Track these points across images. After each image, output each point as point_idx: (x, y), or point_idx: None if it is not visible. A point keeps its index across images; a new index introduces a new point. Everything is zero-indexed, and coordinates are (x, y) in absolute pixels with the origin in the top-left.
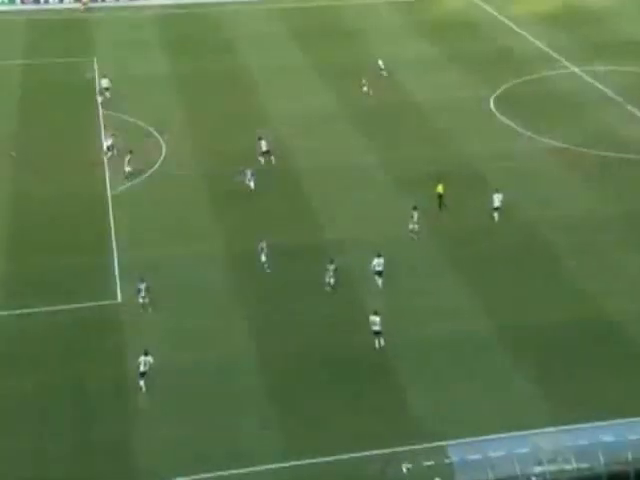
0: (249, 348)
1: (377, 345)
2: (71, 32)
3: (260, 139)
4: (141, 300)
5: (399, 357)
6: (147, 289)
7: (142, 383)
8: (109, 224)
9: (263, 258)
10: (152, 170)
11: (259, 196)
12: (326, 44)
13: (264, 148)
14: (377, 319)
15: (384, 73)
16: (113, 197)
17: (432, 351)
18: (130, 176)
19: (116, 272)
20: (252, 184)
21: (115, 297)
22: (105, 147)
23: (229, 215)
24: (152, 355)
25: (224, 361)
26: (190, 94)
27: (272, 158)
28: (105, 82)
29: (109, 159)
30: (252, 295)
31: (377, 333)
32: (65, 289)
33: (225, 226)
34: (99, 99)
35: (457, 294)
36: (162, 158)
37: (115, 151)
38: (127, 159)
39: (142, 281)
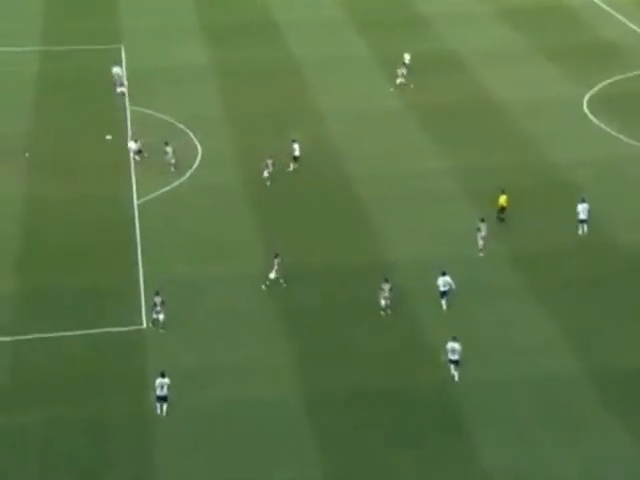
0: (292, 382)
1: (454, 377)
2: (96, 15)
3: (294, 142)
4: (154, 315)
5: (468, 396)
6: (162, 303)
7: (162, 407)
8: (134, 236)
9: (272, 275)
10: (184, 174)
11: (305, 207)
12: (389, 33)
13: (296, 153)
14: (457, 346)
15: (403, 71)
16: (140, 205)
17: (506, 390)
18: (175, 168)
19: (141, 293)
20: (267, 177)
21: (140, 322)
22: (132, 152)
23: (270, 228)
24: (169, 377)
25: (263, 397)
26: (229, 88)
27: (292, 165)
28: (117, 70)
29: (136, 163)
30: (297, 321)
31: (454, 362)
32: (83, 312)
33: (266, 240)
34: (118, 90)
35: (536, 324)
36: (196, 161)
37: (142, 155)
38: (169, 150)
39: (157, 294)
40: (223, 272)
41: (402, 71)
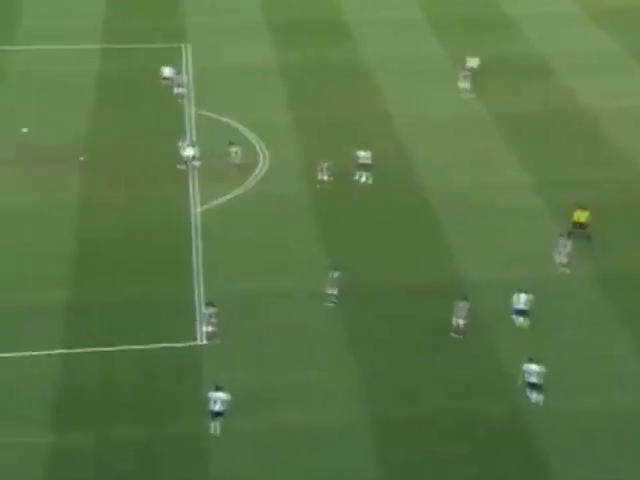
0: (357, 408)
1: (533, 400)
2: (159, 12)
3: (363, 149)
4: (206, 328)
5: (550, 432)
6: (216, 315)
7: (216, 425)
8: (192, 247)
9: (331, 290)
10: (248, 182)
11: (374, 219)
12: (468, 34)
13: (367, 161)
14: (537, 368)
15: (467, 76)
16: (199, 214)
17: (593, 428)
18: (239, 170)
19: (197, 307)
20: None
21: (196, 338)
22: (185, 157)
23: (337, 241)
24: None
25: (324, 423)
26: (297, 91)
27: (366, 175)
28: (168, 71)
29: (191, 169)
30: (363, 341)
31: (534, 386)
32: (137, 325)
33: (334, 256)
34: (177, 91)
35: (622, 352)
36: (260, 168)
37: (196, 161)
38: (233, 151)
39: (211, 305)
40: (286, 287)
41: (465, 74)
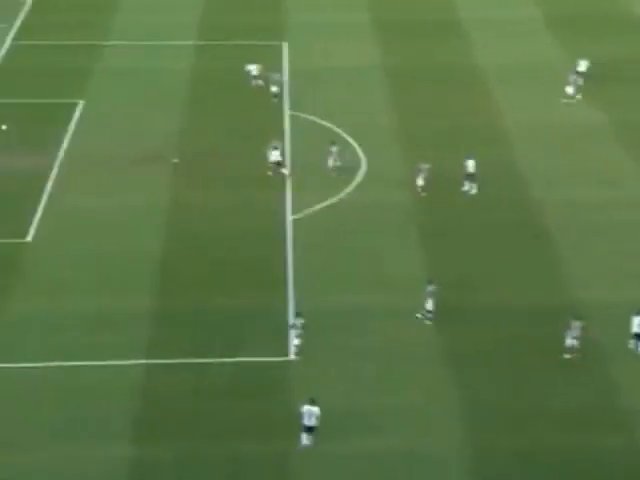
0: (454, 435)
1: None
2: (259, 8)
3: (469, 158)
4: (295, 341)
5: None
6: (305, 327)
7: (306, 438)
8: (285, 256)
9: (427, 306)
10: (345, 189)
11: (479, 233)
12: (592, 36)
13: (472, 170)
14: None
15: (576, 80)
16: (294, 221)
17: None
18: (338, 171)
19: (288, 320)
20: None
21: (285, 352)
22: (271, 161)
23: (440, 257)
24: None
25: (419, 450)
26: (401, 94)
27: (471, 185)
28: (254, 69)
29: (284, 175)
30: (466, 365)
31: None
32: (224, 337)
33: (434, 271)
34: (273, 89)
35: None
36: (360, 175)
37: (281, 168)
38: (334, 151)
39: (299, 316)
40: (382, 301)
41: (574, 79)
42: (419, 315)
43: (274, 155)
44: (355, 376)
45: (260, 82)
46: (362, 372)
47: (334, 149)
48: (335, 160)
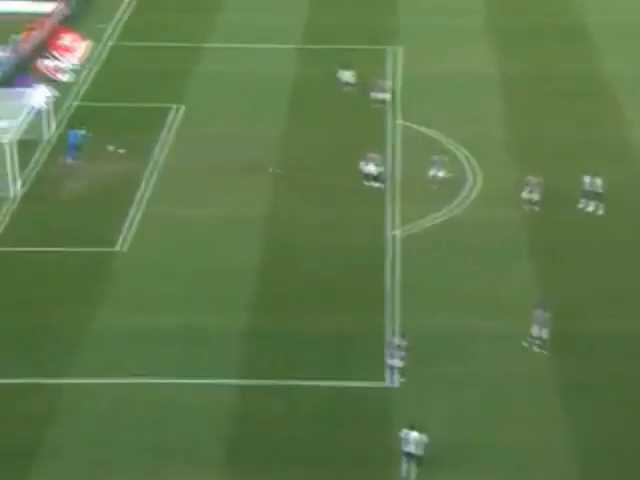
0: (569, 476)
1: None
2: (370, 10)
3: (594, 176)
4: (392, 361)
5: None
6: (406, 349)
7: (409, 470)
8: (387, 275)
9: (539, 333)
10: (454, 204)
11: (602, 256)
12: None
13: (598, 190)
14: None
15: None
16: (397, 238)
17: None
18: (439, 184)
19: (389, 343)
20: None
21: (384, 377)
22: (366, 174)
23: (555, 281)
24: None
25: None
26: (518, 105)
27: (595, 204)
28: (347, 76)
29: (386, 188)
30: (580, 398)
31: None
32: (320, 359)
33: (548, 295)
34: (379, 96)
35: None
36: (469, 190)
37: (380, 181)
38: (438, 160)
39: (402, 338)
40: (490, 327)
41: None
42: (525, 343)
43: (369, 167)
44: (457, 405)
45: (350, 89)
46: (465, 401)
47: (437, 158)
48: (437, 171)
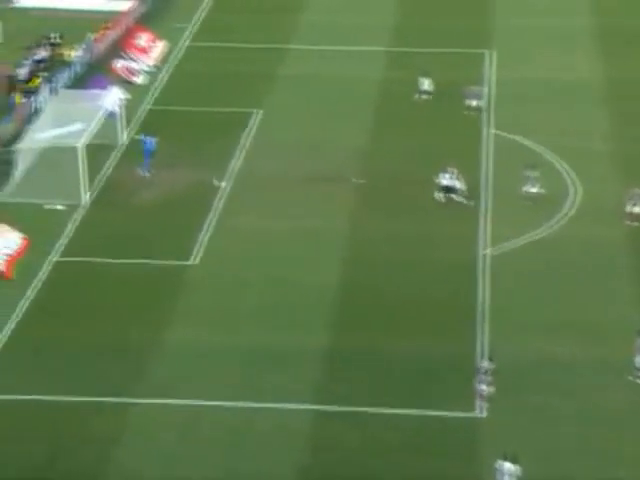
0: None
1: None
2: (463, 12)
3: None
4: (479, 386)
5: None
6: (493, 373)
7: None
8: (477, 296)
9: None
10: (552, 221)
11: None
12: None
13: None
14: None
15: None
16: (488, 257)
17: None
18: (534, 199)
19: (478, 369)
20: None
21: (471, 407)
22: (442, 187)
23: None
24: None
25: None
26: (624, 114)
27: None
28: (426, 84)
29: (450, 202)
30: None
31: None
32: (403, 384)
33: None
34: (472, 103)
35: None
36: (569, 206)
37: (457, 195)
38: (531, 176)
39: (489, 361)
40: (587, 355)
41: None
42: (631, 377)
43: (445, 179)
44: (552, 438)
45: (425, 97)
46: (559, 437)
47: (530, 174)
48: (531, 186)
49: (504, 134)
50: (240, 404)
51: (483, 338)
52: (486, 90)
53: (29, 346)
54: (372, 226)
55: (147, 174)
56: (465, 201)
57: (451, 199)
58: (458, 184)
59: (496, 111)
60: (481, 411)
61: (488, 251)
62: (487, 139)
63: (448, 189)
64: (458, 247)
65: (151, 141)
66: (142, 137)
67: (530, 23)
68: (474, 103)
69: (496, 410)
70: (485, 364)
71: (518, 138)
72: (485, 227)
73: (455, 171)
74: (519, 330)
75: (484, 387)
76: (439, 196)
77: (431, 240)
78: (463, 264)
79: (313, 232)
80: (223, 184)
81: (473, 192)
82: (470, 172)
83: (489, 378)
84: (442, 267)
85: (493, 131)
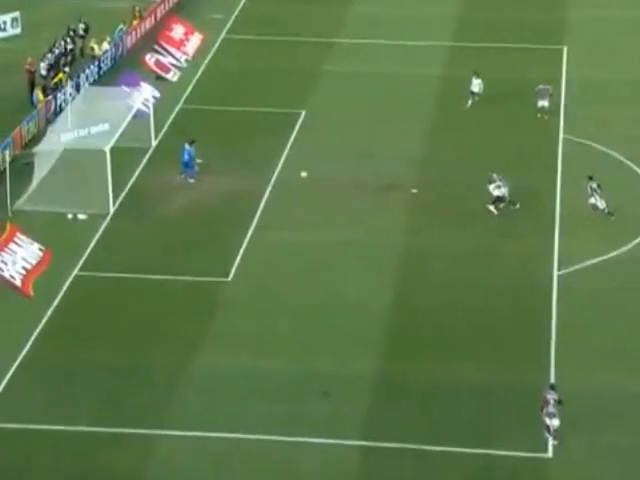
0: None
1: None
2: (532, 2)
3: None
4: (548, 421)
5: None
6: (558, 403)
7: None
8: (542, 321)
9: None
10: (630, 240)
11: None
12: None
13: None
14: None
15: None
16: (561, 277)
17: None
18: (610, 213)
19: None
20: None
21: (541, 448)
22: (494, 197)
23: None
24: None
25: None
26: None
27: None
28: (476, 85)
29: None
30: None
31: None
32: (458, 418)
33: None
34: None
35: None
36: None
37: (507, 206)
38: (595, 187)
39: (552, 389)
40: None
41: None
42: None
43: (496, 189)
44: None
45: (476, 100)
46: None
47: (594, 185)
48: (599, 199)
49: (579, 140)
50: (280, 438)
51: (554, 368)
52: (561, 90)
53: (45, 369)
54: (427, 240)
55: (191, 180)
56: (512, 206)
57: (501, 209)
58: (504, 191)
59: (571, 114)
60: (549, 450)
61: (557, 270)
62: (559, 145)
63: (499, 199)
64: (524, 265)
65: (190, 151)
66: (185, 146)
67: (611, 15)
68: (546, 104)
69: (567, 449)
70: (554, 396)
71: (595, 145)
72: (557, 243)
73: (500, 178)
74: (594, 359)
75: (554, 422)
76: (490, 208)
77: (493, 257)
78: (530, 284)
79: (361, 246)
80: (304, 174)
81: (541, 204)
82: (538, 182)
83: (559, 412)
84: (506, 287)
85: (566, 136)
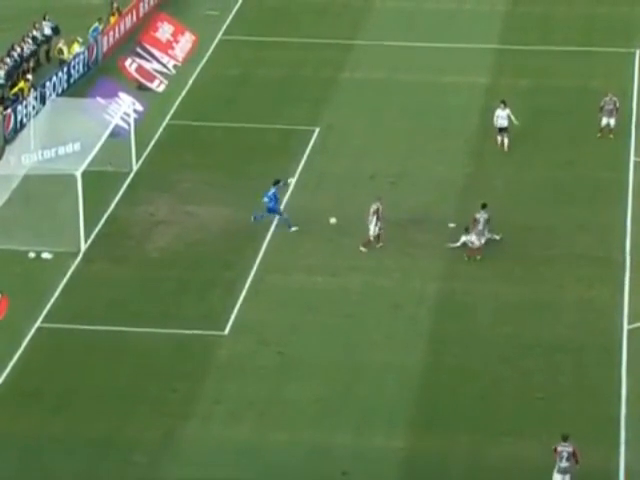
0: None
1: None
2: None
3: None
4: (559, 478)
5: None
6: (573, 457)
7: None
8: (613, 386)
9: None
10: None
11: None
12: None
13: None
14: None
15: None
16: (631, 332)
17: None
18: None
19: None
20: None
21: None
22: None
23: None
24: None
25: None
26: None
27: None
28: (503, 117)
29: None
30: None
31: None
32: None
33: None
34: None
35: None
36: None
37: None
38: None
39: (564, 441)
40: None
41: None
42: None
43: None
44: None
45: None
46: None
47: None
48: None
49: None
50: None
51: (623, 445)
52: (632, 103)
53: (2, 446)
54: (468, 287)
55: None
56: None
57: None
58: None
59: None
60: None
61: (627, 323)
62: (629, 171)
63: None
64: (586, 317)
65: (275, 195)
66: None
67: None
68: (612, 122)
69: None
70: (567, 448)
71: None
72: (630, 293)
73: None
74: None
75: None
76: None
77: (549, 306)
78: (593, 341)
79: (388, 294)
80: (333, 220)
81: (606, 244)
82: (603, 217)
83: (572, 468)
84: (562, 345)
85: (638, 159)
